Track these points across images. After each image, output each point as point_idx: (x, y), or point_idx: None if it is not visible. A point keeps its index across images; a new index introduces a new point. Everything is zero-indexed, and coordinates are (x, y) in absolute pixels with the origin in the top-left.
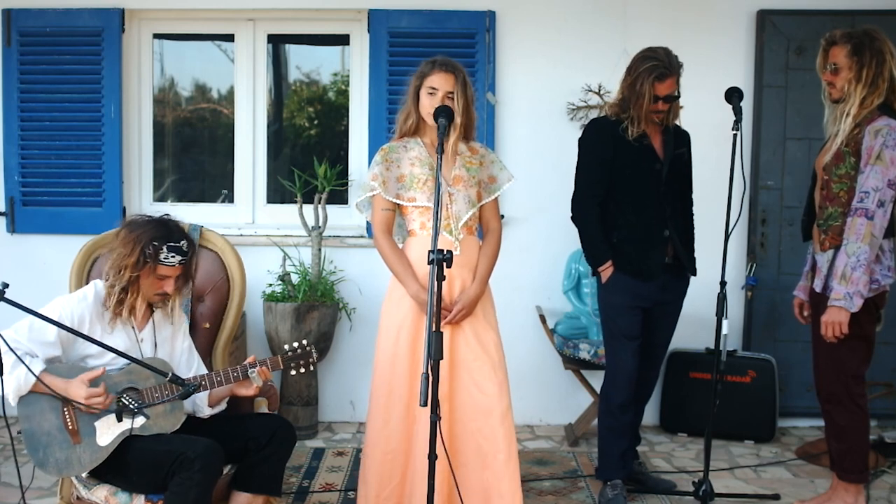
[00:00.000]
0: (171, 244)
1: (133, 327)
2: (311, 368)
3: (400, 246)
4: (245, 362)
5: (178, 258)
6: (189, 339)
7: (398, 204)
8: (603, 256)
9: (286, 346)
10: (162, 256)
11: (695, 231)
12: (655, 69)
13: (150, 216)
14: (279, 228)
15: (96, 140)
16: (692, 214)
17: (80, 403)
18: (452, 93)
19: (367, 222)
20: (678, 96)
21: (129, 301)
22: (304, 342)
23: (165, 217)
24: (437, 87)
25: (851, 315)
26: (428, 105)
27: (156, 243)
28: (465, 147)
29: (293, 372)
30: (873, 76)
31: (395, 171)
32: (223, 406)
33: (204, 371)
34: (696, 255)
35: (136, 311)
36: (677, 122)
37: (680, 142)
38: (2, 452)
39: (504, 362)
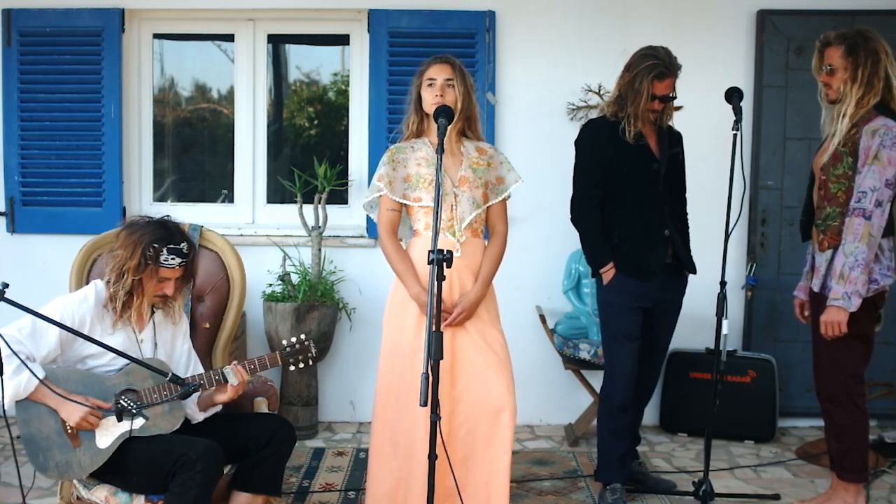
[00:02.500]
0: (172, 246)
1: (133, 328)
2: (310, 363)
3: (404, 245)
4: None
5: (179, 260)
6: (189, 342)
7: (405, 204)
8: (604, 258)
9: (284, 342)
10: (162, 259)
11: (691, 231)
12: (655, 68)
13: (149, 217)
14: (279, 228)
15: (96, 140)
16: (687, 214)
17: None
18: (451, 80)
19: (368, 222)
20: (674, 97)
21: (136, 304)
22: (302, 337)
23: (165, 218)
24: (434, 77)
25: (851, 315)
26: (429, 98)
27: (156, 245)
28: (474, 147)
29: (292, 367)
30: (869, 76)
31: (402, 172)
32: (218, 408)
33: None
34: (696, 255)
35: (138, 312)
36: (670, 123)
37: (674, 142)
38: (2, 452)
39: (509, 361)
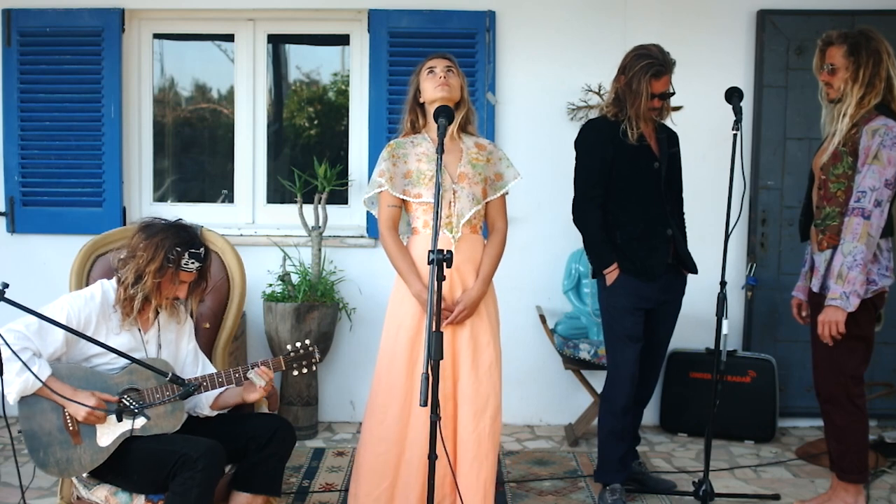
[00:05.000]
0: (193, 251)
1: (139, 329)
2: (314, 369)
3: (405, 242)
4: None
5: (198, 265)
6: (194, 341)
7: (404, 200)
8: (607, 259)
9: (288, 347)
10: (183, 263)
11: (690, 230)
12: (651, 67)
13: (165, 220)
14: (279, 228)
15: (96, 140)
16: (684, 213)
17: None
18: (451, 66)
19: (368, 222)
20: (673, 93)
21: (153, 306)
22: (307, 342)
23: (181, 222)
24: (434, 66)
25: (851, 315)
26: (430, 87)
27: (178, 249)
28: (473, 143)
29: (295, 373)
30: (870, 76)
31: (402, 167)
32: (225, 410)
33: (211, 371)
34: (696, 255)
35: (153, 313)
36: (666, 123)
37: (672, 141)
38: (2, 452)
39: (500, 363)
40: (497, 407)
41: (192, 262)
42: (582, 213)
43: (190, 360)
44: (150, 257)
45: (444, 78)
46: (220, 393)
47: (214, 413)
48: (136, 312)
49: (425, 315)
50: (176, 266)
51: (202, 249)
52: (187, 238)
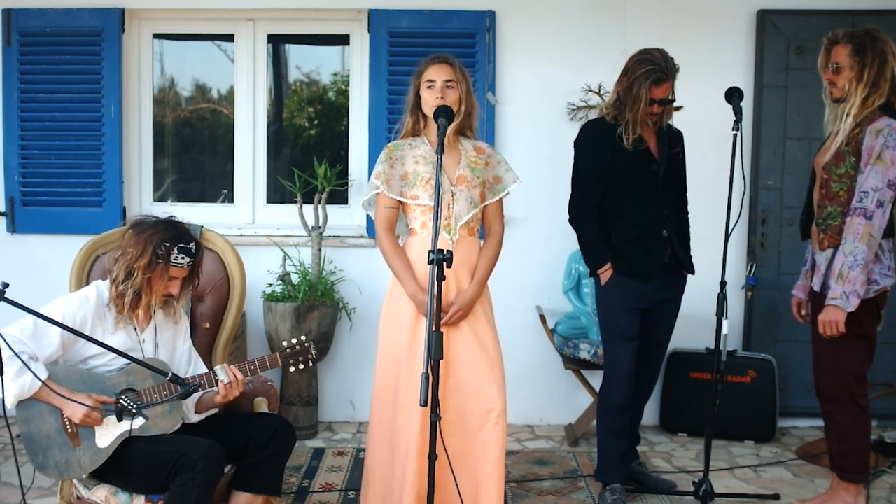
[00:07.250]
0: (182, 245)
1: (135, 328)
2: (311, 365)
3: (401, 243)
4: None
5: (188, 260)
6: (189, 341)
7: (401, 202)
8: (602, 259)
9: (284, 343)
10: (173, 258)
11: (690, 230)
12: (652, 73)
13: (156, 217)
14: (279, 228)
15: (96, 140)
16: (687, 213)
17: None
18: (451, 80)
19: (368, 222)
20: (673, 99)
21: (144, 302)
22: (303, 338)
23: (173, 218)
24: (434, 79)
25: (853, 315)
26: (430, 99)
27: (167, 244)
28: (472, 146)
29: (292, 369)
30: (875, 76)
31: (399, 169)
32: (214, 410)
33: (202, 372)
34: (696, 255)
35: (144, 311)
36: (670, 122)
37: (674, 142)
38: (2, 452)
39: (502, 362)
40: (503, 409)
41: (182, 258)
42: (578, 213)
43: (184, 361)
44: (139, 253)
45: (440, 98)
46: (200, 397)
47: (202, 417)
48: (127, 308)
49: (420, 315)
50: (165, 261)
51: (192, 245)
52: (176, 234)
